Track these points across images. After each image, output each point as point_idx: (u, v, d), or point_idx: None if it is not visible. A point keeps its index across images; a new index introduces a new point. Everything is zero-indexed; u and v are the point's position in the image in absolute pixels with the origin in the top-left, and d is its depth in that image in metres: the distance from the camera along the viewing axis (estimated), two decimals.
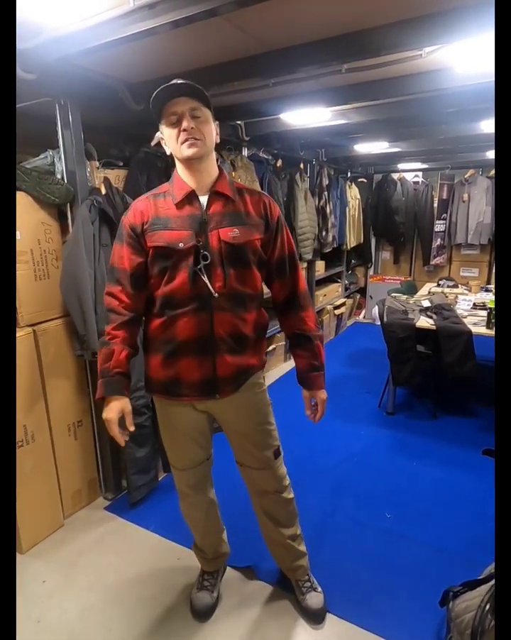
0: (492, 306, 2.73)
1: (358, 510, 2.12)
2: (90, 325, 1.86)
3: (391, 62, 1.63)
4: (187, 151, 1.16)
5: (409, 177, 5.35)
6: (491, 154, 4.06)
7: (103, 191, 1.96)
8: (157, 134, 2.15)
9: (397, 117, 2.56)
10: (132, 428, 1.25)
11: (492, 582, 1.40)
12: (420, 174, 5.33)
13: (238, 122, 2.57)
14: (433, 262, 5.21)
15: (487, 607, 1.30)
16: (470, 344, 2.70)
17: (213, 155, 1.25)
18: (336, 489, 2.29)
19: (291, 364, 4.10)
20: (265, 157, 3.19)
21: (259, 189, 2.93)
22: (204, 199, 1.22)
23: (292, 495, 1.56)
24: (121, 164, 2.20)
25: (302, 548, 1.62)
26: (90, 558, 1.86)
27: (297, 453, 2.62)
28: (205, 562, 1.68)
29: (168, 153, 1.25)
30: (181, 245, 1.19)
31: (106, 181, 2.00)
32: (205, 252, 1.19)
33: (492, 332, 2.72)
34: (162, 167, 2.25)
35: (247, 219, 1.25)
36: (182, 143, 1.16)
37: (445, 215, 5.08)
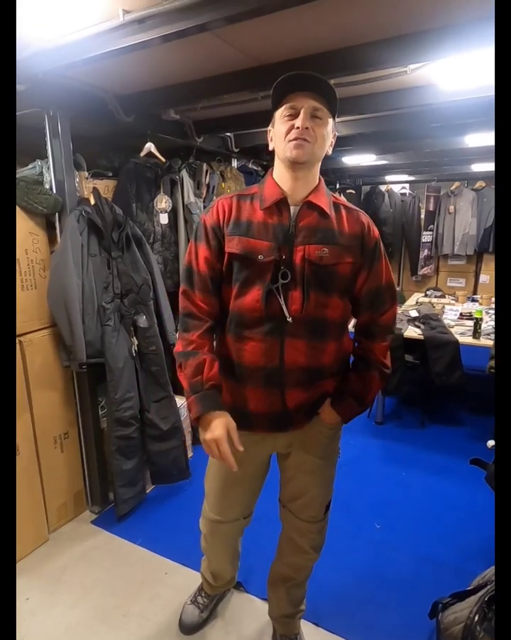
0: (479, 316, 2.77)
1: (347, 521, 2.11)
2: (77, 335, 1.85)
3: (376, 77, 1.67)
4: (293, 152, 1.01)
5: (396, 188, 5.45)
6: (476, 167, 4.15)
7: (92, 202, 1.96)
8: (147, 145, 2.19)
9: (384, 131, 2.61)
10: (241, 449, 1.05)
11: (481, 593, 1.40)
12: (407, 186, 5.43)
13: (228, 134, 2.60)
14: (420, 272, 5.28)
15: (476, 618, 1.30)
16: (457, 354, 2.73)
17: (318, 165, 1.10)
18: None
19: None
20: (255, 168, 3.22)
21: None
22: (294, 210, 1.08)
23: (319, 554, 1.44)
24: (110, 174, 2.21)
25: (302, 606, 1.50)
26: (75, 574, 1.82)
27: None
28: (208, 585, 1.60)
29: (270, 148, 1.11)
30: (261, 256, 1.06)
31: (95, 191, 2.00)
32: (286, 270, 1.06)
33: (478, 342, 2.76)
34: (151, 177, 2.26)
35: (340, 239, 1.09)
36: (290, 142, 1.01)
37: (432, 226, 5.16)
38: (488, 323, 3.00)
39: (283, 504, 1.38)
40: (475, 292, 4.97)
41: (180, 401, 2.42)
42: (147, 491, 2.29)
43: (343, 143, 2.89)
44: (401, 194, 5.42)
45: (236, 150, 2.76)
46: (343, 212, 1.13)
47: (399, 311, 3.40)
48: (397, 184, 5.44)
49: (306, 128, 1.00)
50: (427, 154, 3.51)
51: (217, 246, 1.10)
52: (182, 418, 2.32)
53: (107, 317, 1.96)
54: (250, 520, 1.42)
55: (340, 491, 2.38)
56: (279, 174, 1.10)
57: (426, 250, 5.23)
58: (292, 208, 1.08)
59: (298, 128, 1.00)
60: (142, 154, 2.15)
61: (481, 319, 2.76)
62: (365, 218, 1.15)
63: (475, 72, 1.57)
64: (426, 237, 5.18)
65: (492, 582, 1.54)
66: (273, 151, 1.10)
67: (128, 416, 2.04)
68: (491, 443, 2.78)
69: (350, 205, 1.17)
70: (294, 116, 1.01)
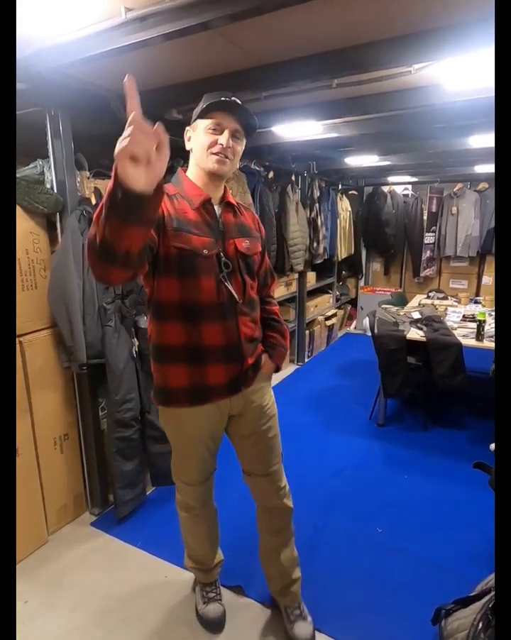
0: (482, 318, 2.74)
1: (349, 525, 2.09)
2: (78, 336, 1.83)
3: (380, 77, 1.66)
4: (215, 165, 1.16)
5: (398, 189, 5.43)
6: (479, 168, 4.13)
7: (94, 201, 1.95)
8: None
9: (387, 131, 2.59)
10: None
11: (485, 599, 1.38)
12: (410, 187, 5.41)
13: None
14: (423, 273, 5.25)
15: (480, 625, 1.28)
16: (460, 356, 2.71)
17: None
18: (328, 503, 2.26)
19: (281, 375, 4.09)
20: (257, 168, 3.21)
21: (250, 200, 2.94)
22: (217, 208, 1.24)
23: (292, 504, 1.55)
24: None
25: (297, 573, 1.58)
26: (75, 577, 1.81)
27: (289, 466, 2.58)
28: (204, 574, 1.64)
29: (188, 148, 1.23)
30: (205, 251, 1.18)
31: (97, 191, 1.99)
32: (227, 261, 1.22)
33: (481, 344, 2.74)
34: None
35: (252, 232, 1.32)
36: (213, 155, 1.16)
37: (434, 227, 5.14)
38: (491, 326, 2.98)
39: (246, 473, 1.50)
40: (477, 294, 4.95)
41: None
42: (148, 493, 2.28)
43: (346, 144, 2.88)
44: (403, 195, 5.40)
45: None
46: (243, 210, 1.34)
47: (401, 313, 3.38)
48: (400, 186, 5.42)
49: (229, 147, 1.16)
50: (430, 155, 3.49)
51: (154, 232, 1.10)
52: None
53: (108, 318, 1.95)
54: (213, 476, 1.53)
55: (342, 495, 2.39)
56: (197, 177, 1.23)
57: (428, 252, 5.21)
58: (215, 207, 1.23)
59: (222, 145, 1.15)
60: None
61: (484, 321, 2.74)
62: (255, 214, 1.42)
63: (480, 71, 1.55)
64: (429, 238, 5.16)
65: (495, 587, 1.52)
66: (189, 151, 1.23)
67: (129, 417, 2.02)
68: (494, 446, 2.76)
69: (243, 203, 1.40)
70: (217, 131, 1.16)
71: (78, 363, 1.87)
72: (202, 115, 1.18)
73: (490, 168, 4.09)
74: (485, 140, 2.69)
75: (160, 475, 2.18)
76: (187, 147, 1.24)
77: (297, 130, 2.38)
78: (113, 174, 0.76)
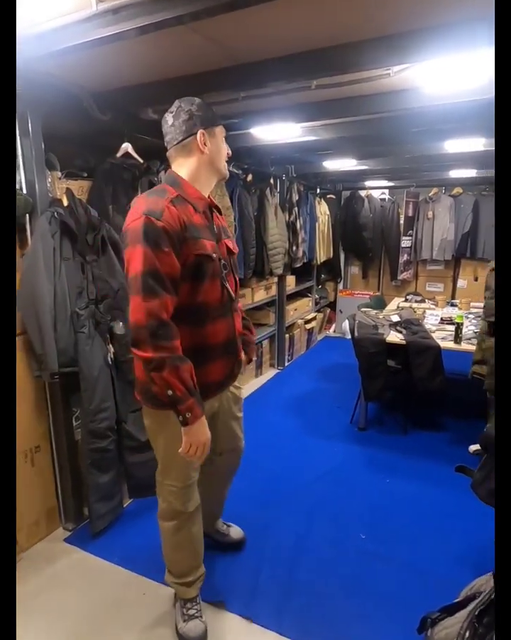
0: (460, 321, 2.77)
1: (332, 531, 2.06)
2: (48, 344, 1.75)
3: (359, 80, 1.64)
4: (227, 171, 1.34)
5: (376, 194, 5.48)
6: (454, 173, 4.20)
7: (66, 203, 1.87)
8: (124, 145, 2.12)
9: (365, 135, 2.60)
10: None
11: (470, 606, 1.36)
12: (386, 191, 5.47)
13: None
14: (400, 277, 5.31)
15: (467, 634, 1.26)
16: (439, 359, 2.72)
17: None
18: (310, 509, 2.22)
19: (262, 380, 4.05)
20: (236, 171, 3.17)
21: (229, 203, 2.90)
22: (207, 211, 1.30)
23: None
24: (85, 175, 2.12)
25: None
26: (48, 597, 1.71)
27: (270, 472, 2.55)
28: (185, 589, 1.56)
29: (205, 151, 1.24)
30: (214, 254, 1.24)
31: (69, 192, 1.91)
32: (225, 261, 1.30)
33: (460, 346, 2.76)
34: (128, 178, 2.18)
35: (229, 232, 1.45)
36: (227, 162, 1.31)
37: (411, 231, 5.21)
38: (468, 328, 3.01)
39: (218, 454, 1.60)
40: (453, 297, 5.03)
41: None
42: (125, 505, 2.20)
43: (324, 147, 2.87)
44: (380, 199, 5.46)
45: None
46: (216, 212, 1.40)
47: (381, 317, 3.39)
48: (377, 190, 5.47)
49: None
50: (407, 160, 3.53)
51: (178, 250, 1.15)
52: None
53: (81, 324, 1.87)
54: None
55: (324, 500, 2.36)
56: (202, 180, 1.26)
57: (405, 255, 5.27)
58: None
59: (229, 153, 1.32)
60: (118, 154, 2.07)
61: (462, 324, 2.77)
62: None
63: (458, 74, 1.56)
64: (406, 242, 5.23)
65: (481, 593, 1.51)
66: (187, 154, 1.24)
67: (104, 427, 1.94)
68: (473, 447, 2.78)
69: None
70: (224, 140, 1.32)
71: (49, 372, 1.78)
72: (218, 123, 1.28)
73: (464, 173, 4.17)
74: (460, 145, 2.72)
75: (138, 487, 2.10)
76: (203, 151, 1.23)
77: (276, 132, 2.35)
78: (192, 416, 1.16)
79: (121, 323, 2.01)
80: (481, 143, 2.68)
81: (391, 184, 5.22)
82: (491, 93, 1.71)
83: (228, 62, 1.54)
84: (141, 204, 1.14)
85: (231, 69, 1.56)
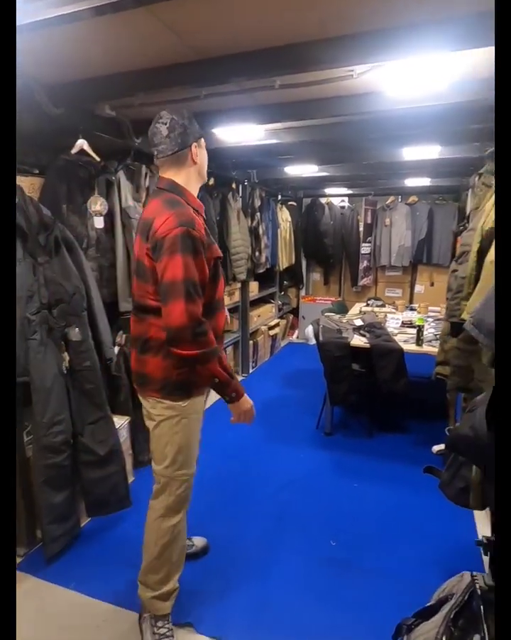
0: (421, 323, 2.82)
1: (301, 540, 2.01)
2: None
3: (323, 80, 1.64)
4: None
5: (336, 201, 5.58)
6: (410, 182, 4.34)
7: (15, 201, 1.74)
8: (79, 142, 2.01)
9: (327, 140, 2.62)
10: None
11: (445, 610, 1.34)
12: (346, 199, 5.58)
13: None
14: (361, 282, 5.41)
15: (444, 638, 1.24)
16: (402, 361, 2.76)
17: None
18: (278, 519, 2.16)
19: None
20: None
21: None
22: None
23: None
24: (37, 171, 1.99)
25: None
26: None
27: (236, 482, 2.47)
28: (163, 604, 1.47)
29: (197, 162, 1.36)
30: (220, 253, 1.40)
31: (19, 189, 1.78)
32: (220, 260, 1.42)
33: (421, 349, 2.81)
34: (84, 177, 2.07)
35: None
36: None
37: (370, 238, 5.33)
38: (428, 331, 3.08)
39: None
40: (411, 301, 5.16)
41: (119, 421, 2.21)
42: (82, 525, 2.05)
43: (286, 151, 2.87)
44: (340, 207, 5.56)
45: None
46: None
47: (344, 321, 3.41)
48: (337, 197, 5.57)
49: None
50: (366, 167, 3.60)
51: (205, 256, 1.27)
52: (121, 441, 2.11)
53: (32, 330, 1.73)
54: None
55: (292, 508, 2.31)
56: (193, 186, 1.39)
57: (365, 262, 5.38)
58: None
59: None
60: (73, 151, 1.97)
61: (423, 326, 2.82)
62: None
63: (420, 78, 1.58)
64: (365, 249, 5.33)
65: (453, 594, 1.50)
66: (180, 164, 1.34)
67: (59, 441, 1.80)
68: (436, 448, 2.83)
69: None
70: None
71: None
72: (203, 134, 1.40)
73: (419, 181, 4.31)
74: (417, 152, 2.80)
75: (97, 504, 1.97)
76: (195, 162, 1.35)
77: (239, 134, 2.32)
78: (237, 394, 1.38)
79: (76, 329, 1.89)
80: (437, 151, 2.77)
81: (350, 192, 5.33)
82: (450, 99, 1.75)
83: (190, 56, 1.49)
84: (172, 215, 1.23)
85: (193, 63, 1.51)
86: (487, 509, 1.77)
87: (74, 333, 1.89)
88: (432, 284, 5.29)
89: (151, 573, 1.47)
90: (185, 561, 1.55)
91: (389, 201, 5.20)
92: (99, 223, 2.11)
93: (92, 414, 1.96)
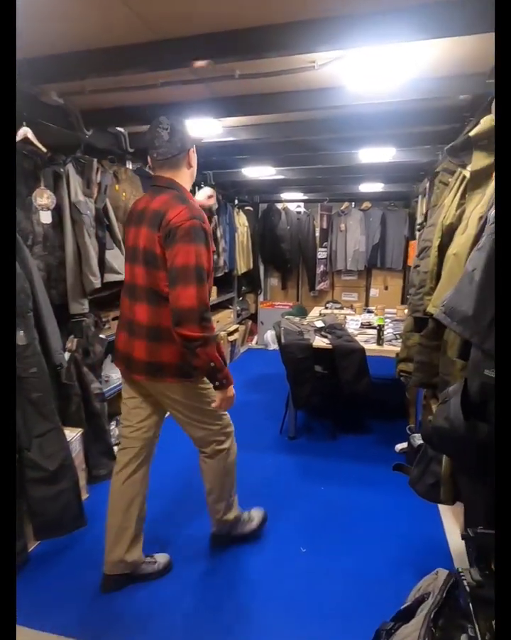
0: (381, 323, 2.84)
1: (270, 549, 1.92)
2: None
3: (284, 70, 1.60)
4: None
5: (292, 207, 5.62)
6: (364, 187, 4.44)
7: None
8: (22, 130, 1.85)
9: (284, 139, 2.61)
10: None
11: (424, 611, 1.30)
12: (302, 204, 5.63)
13: (121, 129, 2.35)
14: (318, 287, 5.45)
15: None
16: (364, 361, 2.76)
17: None
18: None
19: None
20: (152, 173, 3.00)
21: None
22: None
23: None
24: None
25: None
26: None
27: (198, 493, 2.34)
28: (234, 509, 1.89)
29: (192, 165, 1.51)
30: None
31: None
32: None
33: (382, 348, 2.83)
34: (29, 168, 1.91)
35: None
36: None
37: (326, 243, 5.40)
38: (388, 331, 3.11)
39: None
40: (367, 305, 5.26)
41: (71, 433, 2.04)
42: (30, 550, 1.85)
43: (242, 150, 2.83)
44: (297, 212, 5.60)
45: (131, 150, 2.52)
46: None
47: (305, 323, 3.39)
48: (293, 203, 5.62)
49: None
50: (322, 170, 3.63)
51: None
52: (72, 454, 1.94)
53: None
54: None
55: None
56: (188, 188, 1.50)
57: (322, 266, 5.43)
58: None
59: None
60: (18, 138, 1.81)
61: (383, 326, 2.84)
62: None
63: (381, 72, 1.58)
64: (322, 253, 5.40)
65: (429, 593, 1.46)
66: (177, 167, 1.46)
67: None
68: (399, 446, 2.84)
69: None
70: None
71: None
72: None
73: (373, 187, 4.42)
74: (373, 154, 2.84)
75: (48, 525, 1.78)
76: (191, 165, 1.51)
77: (196, 128, 2.24)
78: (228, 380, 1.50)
79: (21, 332, 1.72)
80: (391, 154, 2.83)
81: (306, 197, 5.38)
82: (408, 96, 1.77)
83: (146, 36, 1.40)
84: (185, 208, 1.34)
85: (150, 44, 1.42)
86: (457, 503, 1.77)
87: (19, 337, 1.71)
88: (386, 288, 5.43)
89: (224, 495, 1.80)
90: (152, 580, 1.66)
91: (343, 206, 5.30)
92: (45, 217, 1.95)
93: (40, 425, 1.78)
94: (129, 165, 2.66)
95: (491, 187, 1.46)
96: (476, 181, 1.50)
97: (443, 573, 1.46)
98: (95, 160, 2.14)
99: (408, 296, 2.07)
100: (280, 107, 1.91)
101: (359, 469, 2.60)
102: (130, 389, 1.63)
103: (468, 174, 1.62)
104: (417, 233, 2.56)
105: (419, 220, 4.29)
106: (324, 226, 5.32)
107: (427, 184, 3.55)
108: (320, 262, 5.40)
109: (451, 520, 2.12)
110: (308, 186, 4.66)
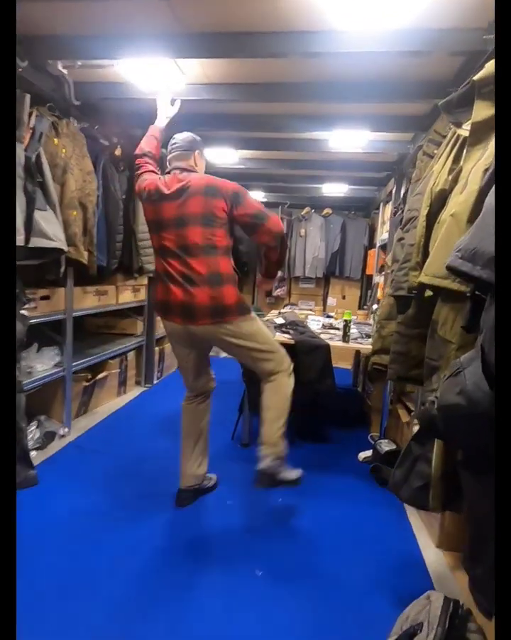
0: (348, 318, 2.62)
1: (220, 574, 1.56)
2: None
3: None
4: None
5: None
6: (327, 188, 4.32)
7: None
8: None
9: (251, 112, 2.37)
10: None
11: None
12: None
13: (64, 71, 2.00)
14: (275, 293, 5.25)
15: None
16: (329, 358, 2.51)
17: None
18: (190, 550, 1.69)
19: (125, 399, 3.41)
20: (103, 141, 2.66)
21: (90, 166, 2.35)
22: None
23: None
24: None
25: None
26: None
27: (134, 504, 1.95)
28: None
29: (197, 165, 1.89)
30: None
31: None
32: None
33: (348, 345, 2.60)
34: None
35: None
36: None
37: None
38: (352, 331, 2.90)
39: None
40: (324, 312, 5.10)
41: None
42: None
43: (203, 123, 2.57)
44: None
45: (76, 102, 2.17)
46: None
47: (264, 320, 3.12)
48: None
49: None
50: (286, 162, 3.45)
51: None
52: None
53: None
54: None
55: (206, 536, 1.84)
56: None
57: (279, 272, 5.22)
58: None
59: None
60: None
61: (350, 321, 2.63)
62: None
63: (378, 6, 1.36)
64: None
65: (421, 623, 1.17)
66: (187, 160, 1.84)
67: None
68: (362, 454, 2.59)
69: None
70: None
71: None
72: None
73: (337, 189, 4.30)
74: (345, 137, 2.66)
75: None
76: (197, 164, 1.88)
77: (151, 74, 1.93)
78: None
79: None
80: (365, 140, 2.68)
81: (265, 200, 5.20)
82: (397, 46, 1.58)
83: None
84: (225, 181, 1.76)
85: None
86: (432, 515, 1.51)
87: None
88: (344, 297, 5.31)
89: (283, 416, 1.86)
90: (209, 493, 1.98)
91: (304, 211, 5.18)
92: None
93: None
94: (75, 123, 2.30)
95: (493, 142, 1.28)
96: (477, 135, 1.32)
97: (437, 598, 1.18)
98: (28, 95, 1.78)
99: (389, 273, 1.86)
100: (255, 49, 1.66)
101: (320, 479, 2.31)
102: (180, 343, 1.91)
103: (464, 133, 1.44)
104: (395, 220, 2.38)
105: (381, 230, 4.21)
106: (284, 231, 5.15)
107: (393, 188, 3.47)
108: None
109: (424, 533, 1.87)
110: (271, 183, 4.47)
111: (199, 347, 1.93)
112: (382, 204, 4.34)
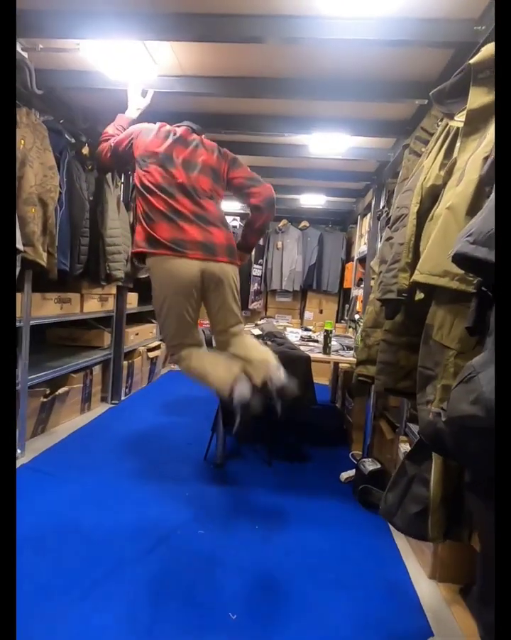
0: (329, 328, 2.49)
1: (188, 616, 1.35)
2: None
3: None
4: None
5: (228, 220, 5.30)
6: (305, 199, 4.25)
7: None
8: None
9: (229, 109, 2.25)
10: None
11: None
12: (238, 218, 5.34)
13: (24, 54, 1.82)
14: (251, 306, 5.10)
15: None
16: (309, 370, 2.36)
17: None
18: (154, 588, 1.47)
19: (90, 416, 3.15)
20: (68, 137, 2.48)
21: (52, 160, 2.16)
22: None
23: None
24: None
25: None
26: None
27: (94, 540, 1.70)
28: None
29: None
30: None
31: None
32: None
33: (329, 357, 2.46)
34: None
35: None
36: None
37: (261, 260, 5.12)
38: (332, 343, 2.77)
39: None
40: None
41: None
42: None
43: (174, 118, 2.43)
44: (233, 226, 5.28)
45: (39, 91, 2.00)
46: None
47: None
48: (229, 216, 5.30)
49: None
50: (263, 169, 3.35)
51: None
52: None
53: None
54: None
55: (172, 571, 1.59)
56: None
57: (255, 284, 5.11)
58: None
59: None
60: None
61: (331, 331, 2.49)
62: None
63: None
64: (256, 271, 5.09)
65: None
66: None
67: None
68: (344, 475, 2.42)
69: None
70: None
71: None
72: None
73: (314, 200, 4.24)
74: (325, 140, 2.58)
75: None
76: None
77: (116, 58, 1.78)
78: None
79: None
80: (345, 146, 2.60)
81: (242, 211, 5.10)
82: (388, 34, 1.49)
83: None
84: (227, 150, 1.98)
85: None
86: (426, 544, 1.35)
87: None
88: (321, 311, 5.21)
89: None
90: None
91: (281, 224, 5.10)
92: None
93: None
94: (37, 115, 2.12)
95: (492, 131, 1.18)
96: (474, 123, 1.22)
97: None
98: None
99: (376, 276, 1.74)
100: (233, 33, 1.53)
101: (299, 503, 2.12)
102: (184, 287, 1.78)
103: (457, 124, 1.35)
104: (382, 220, 2.28)
105: (358, 243, 4.16)
106: (261, 243, 5.05)
107: (372, 199, 3.41)
108: (254, 279, 5.08)
109: (415, 564, 1.70)
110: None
111: (198, 293, 1.84)
112: (359, 217, 4.30)
